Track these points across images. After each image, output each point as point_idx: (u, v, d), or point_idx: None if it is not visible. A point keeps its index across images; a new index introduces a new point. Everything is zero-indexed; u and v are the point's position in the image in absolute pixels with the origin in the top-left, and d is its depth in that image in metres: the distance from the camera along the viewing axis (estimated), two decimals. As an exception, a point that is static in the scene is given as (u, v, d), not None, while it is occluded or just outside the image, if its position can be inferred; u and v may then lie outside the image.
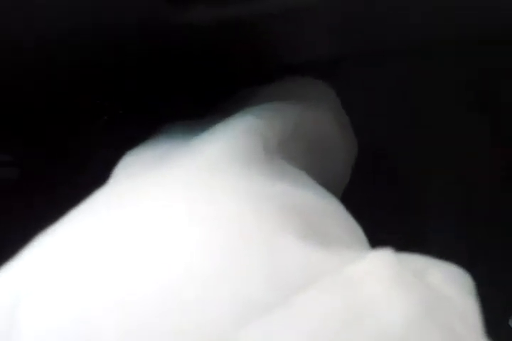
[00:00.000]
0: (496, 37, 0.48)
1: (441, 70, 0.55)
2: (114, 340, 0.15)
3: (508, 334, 0.54)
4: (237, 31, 0.36)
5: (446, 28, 0.41)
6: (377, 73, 0.53)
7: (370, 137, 0.54)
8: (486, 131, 0.60)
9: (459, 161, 0.59)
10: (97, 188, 0.23)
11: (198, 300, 0.15)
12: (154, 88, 0.45)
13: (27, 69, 0.37)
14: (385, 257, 0.17)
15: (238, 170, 0.22)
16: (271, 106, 0.32)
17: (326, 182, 0.33)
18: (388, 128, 0.57)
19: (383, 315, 0.15)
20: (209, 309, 0.15)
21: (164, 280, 0.16)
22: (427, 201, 0.60)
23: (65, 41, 0.34)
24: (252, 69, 0.45)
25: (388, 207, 0.58)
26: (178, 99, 0.46)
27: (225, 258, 0.16)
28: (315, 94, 0.41)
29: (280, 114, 0.31)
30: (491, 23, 0.42)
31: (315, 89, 0.42)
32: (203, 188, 0.19)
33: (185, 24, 0.33)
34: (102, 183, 0.25)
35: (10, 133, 0.45)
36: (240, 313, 0.15)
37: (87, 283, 0.16)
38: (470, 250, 0.57)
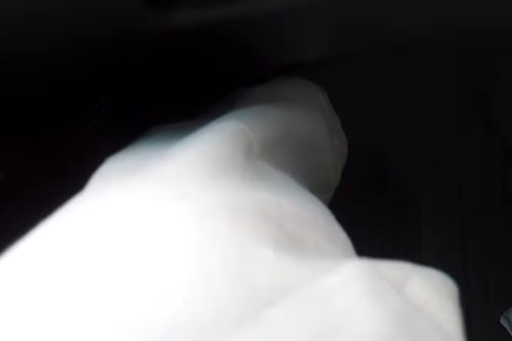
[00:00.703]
0: (493, 37, 0.48)
1: (437, 71, 0.54)
2: None
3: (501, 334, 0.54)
4: (230, 33, 0.36)
5: (443, 28, 0.41)
6: (372, 74, 0.53)
7: (366, 138, 0.54)
8: (483, 132, 0.60)
9: (455, 161, 0.59)
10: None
11: (166, 314, 0.15)
12: (147, 91, 0.45)
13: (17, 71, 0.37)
14: (360, 268, 0.17)
15: (215, 177, 0.21)
16: (257, 110, 0.31)
17: (314, 185, 0.33)
18: (384, 129, 0.57)
19: (356, 329, 0.15)
20: (176, 323, 0.15)
21: (131, 296, 0.15)
22: (421, 202, 0.60)
23: (57, 46, 0.33)
24: (246, 71, 0.45)
25: (384, 207, 0.58)
26: (171, 101, 0.46)
27: (194, 270, 0.16)
28: (304, 97, 0.40)
29: (266, 117, 0.31)
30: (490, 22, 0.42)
31: (305, 91, 0.42)
32: (176, 198, 0.19)
33: (177, 27, 0.33)
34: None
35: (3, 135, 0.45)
36: (209, 327, 0.15)
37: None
38: (464, 252, 0.57)
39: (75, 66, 0.38)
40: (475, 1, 0.36)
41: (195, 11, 0.33)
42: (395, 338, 0.15)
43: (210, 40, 0.37)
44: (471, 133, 0.60)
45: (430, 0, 0.34)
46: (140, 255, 0.17)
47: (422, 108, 0.57)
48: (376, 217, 0.56)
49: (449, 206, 0.59)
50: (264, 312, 0.15)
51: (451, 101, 0.58)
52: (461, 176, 0.59)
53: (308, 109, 0.38)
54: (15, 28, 0.30)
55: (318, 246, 0.20)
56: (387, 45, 0.44)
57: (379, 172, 0.58)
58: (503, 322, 0.52)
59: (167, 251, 0.17)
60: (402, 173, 0.59)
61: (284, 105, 0.35)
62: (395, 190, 0.58)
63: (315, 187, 0.32)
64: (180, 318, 0.15)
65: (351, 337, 0.14)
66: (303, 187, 0.28)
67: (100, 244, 0.17)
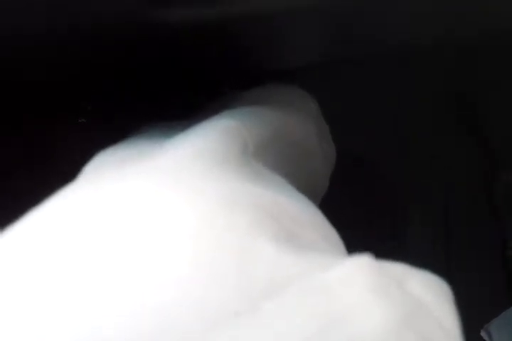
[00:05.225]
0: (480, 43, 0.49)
1: (423, 77, 0.55)
2: None
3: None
4: (221, 34, 0.36)
5: (432, 32, 0.41)
6: (360, 80, 0.53)
7: (354, 143, 0.54)
8: (467, 139, 0.61)
9: (440, 167, 0.59)
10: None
11: (165, 304, 0.14)
12: (140, 90, 0.45)
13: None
14: (363, 263, 0.17)
15: (211, 171, 0.21)
16: (251, 111, 0.31)
17: (304, 189, 0.33)
18: (371, 135, 0.57)
19: (359, 322, 0.14)
20: (175, 314, 0.14)
21: (129, 284, 0.15)
22: (408, 207, 0.60)
23: (51, 42, 0.33)
24: (238, 74, 0.45)
25: (369, 212, 0.58)
26: (164, 101, 0.46)
27: (193, 260, 0.16)
28: (295, 101, 0.40)
29: (259, 118, 0.31)
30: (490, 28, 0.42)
31: (295, 97, 0.42)
32: (173, 187, 0.19)
33: (171, 26, 0.33)
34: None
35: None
36: (207, 318, 0.14)
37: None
38: (448, 258, 0.58)
39: (66, 61, 0.37)
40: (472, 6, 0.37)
41: (192, 9, 0.32)
42: (399, 332, 0.14)
43: (202, 41, 0.37)
44: (453, 139, 0.60)
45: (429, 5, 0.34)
46: (136, 243, 0.16)
47: (410, 113, 0.58)
48: (364, 218, 0.56)
49: (436, 208, 0.59)
50: (263, 304, 0.15)
51: (440, 106, 0.59)
52: (449, 178, 0.59)
53: (300, 114, 0.38)
54: (12, 18, 0.29)
55: (315, 243, 0.20)
56: (381, 51, 0.45)
57: (367, 175, 0.58)
58: (483, 335, 0.52)
59: (165, 239, 0.16)
60: (392, 175, 0.59)
61: (276, 109, 0.35)
62: (384, 191, 0.59)
63: (304, 191, 0.32)
64: (177, 308, 0.14)
65: (355, 330, 0.14)
66: (294, 189, 0.28)
67: (95, 232, 0.17)
